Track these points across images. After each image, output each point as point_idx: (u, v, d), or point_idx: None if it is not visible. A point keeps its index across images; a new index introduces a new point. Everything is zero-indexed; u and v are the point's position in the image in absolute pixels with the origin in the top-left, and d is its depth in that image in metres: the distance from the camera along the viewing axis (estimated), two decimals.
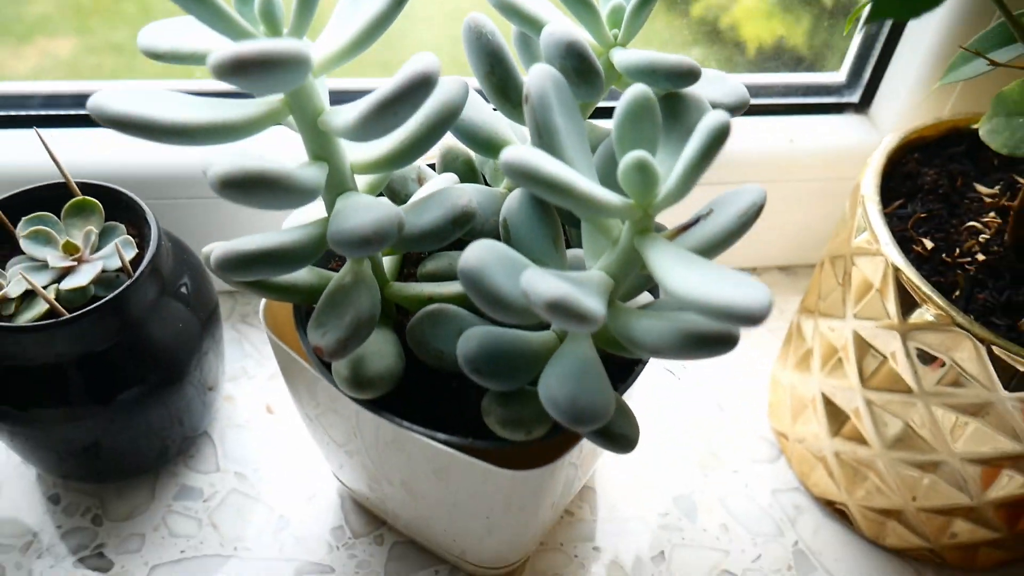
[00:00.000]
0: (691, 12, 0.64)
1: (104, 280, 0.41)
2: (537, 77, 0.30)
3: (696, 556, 0.48)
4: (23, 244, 0.41)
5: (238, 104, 0.31)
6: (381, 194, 0.38)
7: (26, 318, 0.39)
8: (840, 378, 0.45)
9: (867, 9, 0.34)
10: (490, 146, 0.38)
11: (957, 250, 0.42)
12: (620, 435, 0.33)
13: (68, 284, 0.40)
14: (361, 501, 0.48)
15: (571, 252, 0.37)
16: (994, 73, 0.48)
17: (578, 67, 0.32)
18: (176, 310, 0.43)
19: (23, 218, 0.42)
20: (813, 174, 0.57)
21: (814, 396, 0.48)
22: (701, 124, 0.27)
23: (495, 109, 0.37)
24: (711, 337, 0.29)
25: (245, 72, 0.25)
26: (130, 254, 0.41)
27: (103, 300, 0.39)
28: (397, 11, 0.31)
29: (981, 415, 0.39)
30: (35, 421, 0.41)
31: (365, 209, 0.31)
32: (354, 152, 0.33)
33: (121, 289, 0.40)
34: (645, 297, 0.39)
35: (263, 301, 0.39)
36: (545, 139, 0.30)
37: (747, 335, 0.59)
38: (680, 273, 0.28)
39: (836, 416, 0.47)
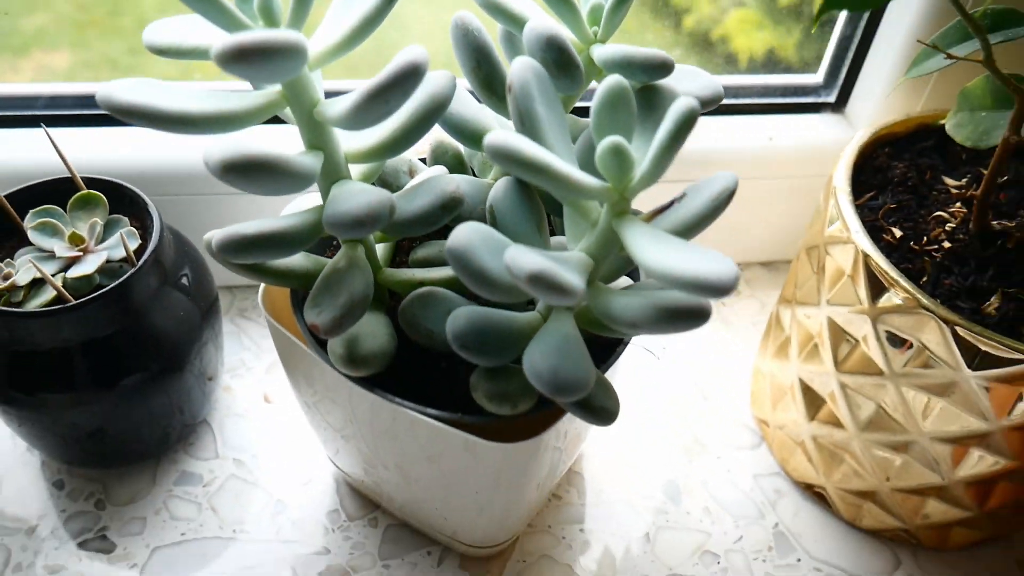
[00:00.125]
0: (683, 24, 0.66)
1: (108, 270, 0.43)
2: (519, 69, 0.32)
3: (680, 538, 0.49)
4: (31, 235, 0.42)
5: (238, 95, 0.33)
6: (374, 184, 0.40)
7: (34, 305, 0.40)
8: (816, 364, 0.47)
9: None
10: (477, 139, 0.39)
11: (925, 238, 0.44)
12: (601, 408, 0.34)
13: (74, 273, 0.41)
14: (356, 485, 0.49)
15: (555, 239, 0.39)
16: (961, 71, 0.50)
17: (558, 60, 0.34)
18: (177, 300, 0.45)
19: (31, 211, 0.43)
20: (792, 171, 0.59)
21: (792, 382, 0.50)
22: (671, 109, 0.29)
23: (482, 104, 0.39)
24: (684, 311, 0.31)
25: (247, 60, 0.26)
26: (133, 245, 0.43)
27: (108, 288, 0.41)
28: (388, 9, 0.33)
29: (948, 395, 0.41)
30: (42, 406, 0.43)
31: (359, 193, 0.33)
32: (348, 142, 0.35)
33: (125, 277, 0.41)
34: (625, 282, 0.40)
35: (261, 287, 0.41)
36: (527, 126, 0.32)
37: (730, 329, 0.61)
38: (654, 250, 0.30)
39: (813, 401, 0.48)
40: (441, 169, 0.41)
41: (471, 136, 0.39)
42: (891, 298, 0.41)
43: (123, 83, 0.31)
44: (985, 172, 0.47)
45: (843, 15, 0.57)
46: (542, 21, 0.34)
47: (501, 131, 0.29)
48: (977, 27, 0.36)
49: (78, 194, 0.44)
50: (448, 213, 0.35)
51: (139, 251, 0.43)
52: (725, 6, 0.68)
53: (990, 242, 0.44)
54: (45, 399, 0.42)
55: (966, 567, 0.49)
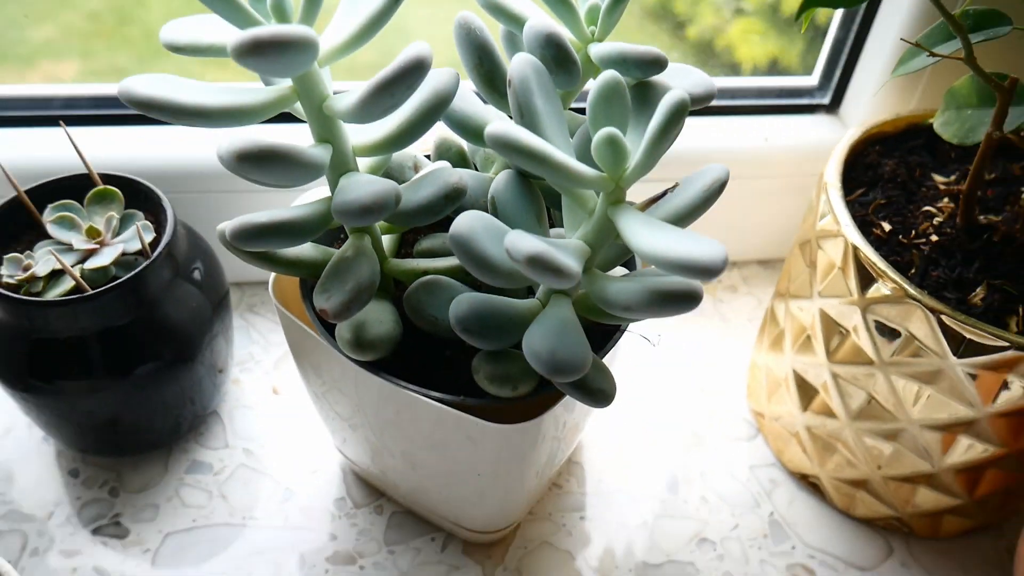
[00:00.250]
0: (687, 34, 0.68)
1: (124, 262, 0.44)
2: (519, 64, 0.34)
3: (677, 525, 0.51)
4: (50, 228, 0.44)
5: (252, 91, 0.34)
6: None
7: (53, 295, 0.42)
8: (809, 355, 0.48)
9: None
10: (480, 134, 0.41)
11: (913, 232, 0.46)
12: (598, 389, 0.36)
13: (91, 264, 0.43)
14: (362, 474, 0.51)
15: (554, 231, 0.40)
16: (951, 72, 0.52)
17: (556, 56, 0.35)
18: (189, 292, 0.47)
19: (49, 205, 0.45)
20: (787, 171, 0.60)
21: (786, 374, 0.51)
22: (662, 101, 0.31)
23: (484, 100, 0.40)
24: (676, 294, 0.33)
25: (261, 53, 0.28)
26: (148, 238, 0.45)
27: (123, 279, 0.42)
28: (394, 8, 0.34)
29: (935, 383, 0.43)
30: (60, 393, 0.44)
31: (366, 183, 0.34)
32: (356, 136, 0.37)
33: (140, 269, 0.43)
34: (622, 272, 0.42)
35: (271, 277, 0.42)
36: (527, 119, 0.34)
37: (728, 325, 0.62)
38: (647, 235, 0.31)
39: (806, 392, 0.50)
40: (445, 164, 0.43)
41: (474, 132, 0.41)
42: (879, 289, 0.42)
43: (142, 78, 0.33)
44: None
45: (836, 20, 0.59)
46: (541, 20, 0.36)
47: (501, 122, 0.31)
48: (958, 26, 0.37)
49: (95, 189, 0.46)
50: (451, 203, 0.37)
51: (153, 244, 0.45)
52: (728, 16, 0.70)
53: (976, 235, 0.45)
54: (63, 386, 0.44)
55: (957, 555, 0.51)
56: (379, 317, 0.38)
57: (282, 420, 0.54)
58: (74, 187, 0.47)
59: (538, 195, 0.38)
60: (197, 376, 0.49)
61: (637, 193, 0.34)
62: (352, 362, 0.38)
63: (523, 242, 0.30)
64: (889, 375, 0.44)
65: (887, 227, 0.46)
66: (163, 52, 0.35)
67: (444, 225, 0.45)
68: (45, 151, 0.52)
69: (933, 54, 0.39)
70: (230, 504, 0.49)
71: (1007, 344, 0.39)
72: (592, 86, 0.34)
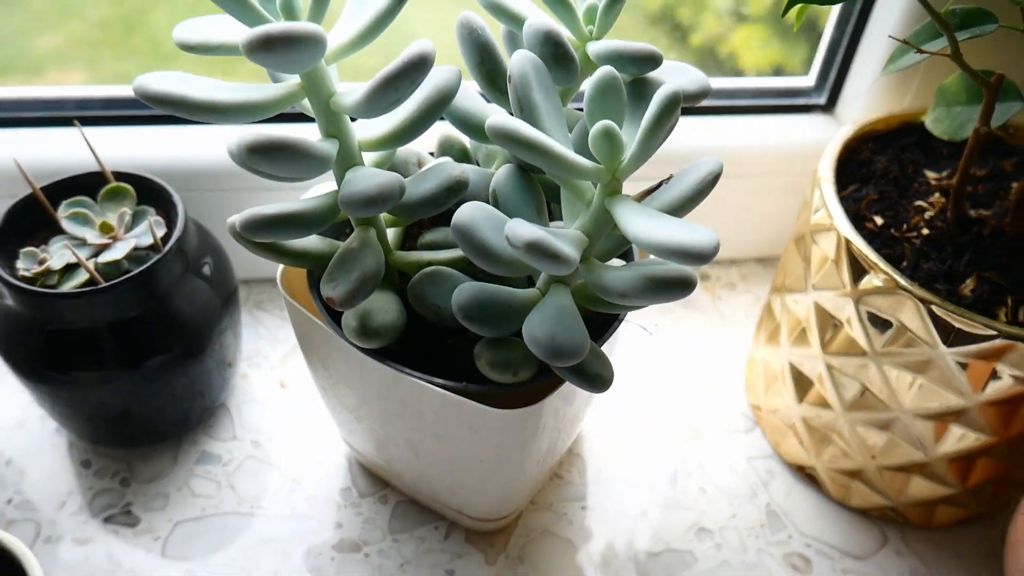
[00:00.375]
0: (690, 42, 0.69)
1: (136, 257, 0.46)
2: (519, 61, 0.35)
3: (676, 515, 0.52)
4: (64, 224, 0.45)
5: (262, 87, 0.36)
6: None
7: (67, 288, 0.43)
8: (804, 347, 0.50)
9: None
10: (482, 131, 0.42)
11: (905, 226, 0.47)
12: (595, 374, 0.37)
13: (104, 258, 0.44)
14: (367, 464, 0.52)
15: (553, 224, 0.42)
16: (943, 71, 0.53)
17: (555, 53, 0.36)
18: (199, 286, 0.48)
19: (64, 202, 0.46)
20: (783, 169, 0.61)
21: (783, 367, 0.52)
22: (656, 94, 0.32)
23: (487, 99, 0.42)
24: (671, 280, 0.34)
25: (272, 48, 0.29)
26: (159, 233, 0.46)
27: (135, 272, 0.44)
28: (398, 8, 0.36)
29: (926, 372, 0.44)
30: (74, 384, 0.45)
31: (372, 175, 0.35)
32: (362, 131, 0.38)
33: (151, 263, 0.44)
34: (619, 264, 0.43)
35: (279, 269, 0.43)
36: (526, 113, 0.35)
37: (726, 322, 0.63)
38: (642, 223, 0.33)
39: (802, 384, 0.51)
40: (448, 159, 0.44)
41: (476, 128, 0.42)
42: (871, 280, 0.44)
43: (156, 75, 0.34)
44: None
45: (832, 21, 0.60)
46: (541, 18, 0.37)
47: (502, 114, 0.32)
48: (944, 24, 0.39)
49: (108, 186, 0.47)
50: (454, 196, 0.38)
51: (164, 239, 0.46)
52: (731, 24, 0.71)
53: (967, 229, 0.46)
54: (76, 377, 0.45)
55: (951, 544, 0.52)
56: (384, 306, 0.39)
57: (289, 413, 0.55)
58: (88, 185, 0.48)
59: (538, 188, 0.40)
60: (206, 369, 0.50)
61: (634, 190, 0.35)
62: (358, 350, 0.39)
63: (522, 229, 0.31)
64: (882, 365, 0.45)
65: (879, 221, 0.47)
66: (169, 60, 0.36)
67: (447, 219, 0.46)
68: (59, 150, 0.53)
69: (921, 51, 0.41)
70: (238, 494, 0.51)
71: (995, 333, 0.40)
72: (589, 82, 0.35)
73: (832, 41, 0.61)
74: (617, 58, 0.37)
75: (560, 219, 0.44)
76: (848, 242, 0.44)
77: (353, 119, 0.38)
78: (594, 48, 0.38)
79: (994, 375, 0.42)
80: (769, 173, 0.62)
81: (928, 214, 0.47)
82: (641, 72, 0.38)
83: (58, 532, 0.48)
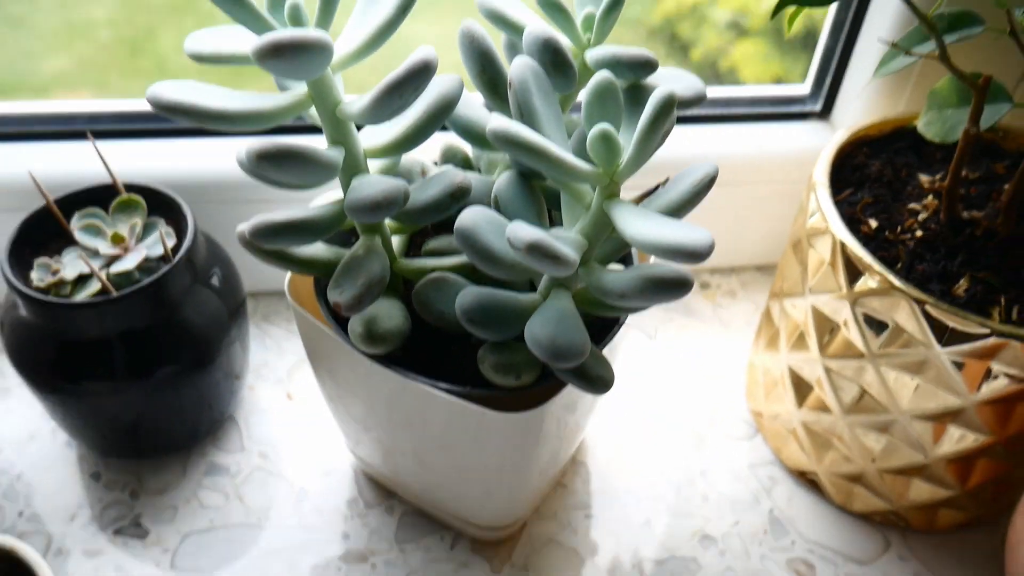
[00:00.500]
0: (691, 56, 0.70)
1: (146, 268, 0.47)
2: (519, 67, 0.36)
3: (680, 522, 0.52)
4: (77, 235, 0.46)
5: (270, 96, 0.37)
6: None
7: (80, 298, 0.44)
8: (803, 351, 0.50)
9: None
10: (483, 139, 0.43)
11: (899, 228, 0.48)
12: (597, 376, 0.38)
13: (116, 268, 0.45)
14: (374, 475, 0.52)
15: (554, 230, 0.42)
16: (934, 76, 0.54)
17: (553, 60, 0.37)
18: (208, 297, 0.49)
19: (76, 213, 0.47)
20: (781, 176, 0.62)
21: (782, 372, 0.53)
22: (651, 97, 0.33)
23: (489, 108, 0.43)
24: (668, 280, 0.35)
25: (280, 54, 0.30)
26: (169, 243, 0.47)
27: (146, 281, 0.45)
28: (402, 18, 0.37)
29: (923, 372, 0.44)
30: (85, 395, 0.46)
31: (377, 182, 0.36)
32: (367, 139, 0.39)
33: (161, 273, 0.45)
34: (619, 268, 0.44)
35: (287, 278, 0.44)
36: (526, 118, 0.36)
37: (727, 329, 0.64)
38: (639, 224, 0.34)
39: (801, 388, 0.51)
40: (451, 167, 0.45)
41: (477, 137, 0.43)
42: (867, 282, 0.44)
43: (169, 84, 0.35)
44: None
45: (826, 28, 0.61)
46: (540, 26, 0.38)
47: (503, 119, 0.33)
48: (931, 26, 0.40)
49: (119, 198, 0.48)
50: (456, 202, 0.39)
51: (174, 250, 0.47)
52: (731, 38, 0.72)
53: (960, 230, 0.47)
54: (88, 388, 0.46)
55: (954, 549, 0.52)
56: (389, 312, 0.40)
57: (296, 425, 0.56)
58: (100, 197, 0.49)
59: (539, 194, 0.41)
60: (215, 380, 0.51)
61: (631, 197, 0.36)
62: (364, 356, 0.40)
63: (523, 231, 0.32)
64: (879, 367, 0.46)
65: (874, 224, 0.48)
66: None
67: (450, 228, 0.47)
68: (72, 164, 0.54)
69: (909, 53, 0.42)
70: (246, 505, 0.51)
71: (989, 331, 0.41)
72: (586, 87, 0.36)
73: (826, 49, 0.62)
74: (614, 63, 0.38)
75: (561, 225, 0.45)
76: (843, 245, 0.45)
77: (359, 128, 0.39)
78: (591, 54, 0.39)
79: (989, 374, 0.43)
80: (766, 180, 0.63)
81: (922, 216, 0.48)
82: (637, 77, 0.39)
83: (68, 545, 0.49)
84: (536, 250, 0.32)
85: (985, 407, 0.44)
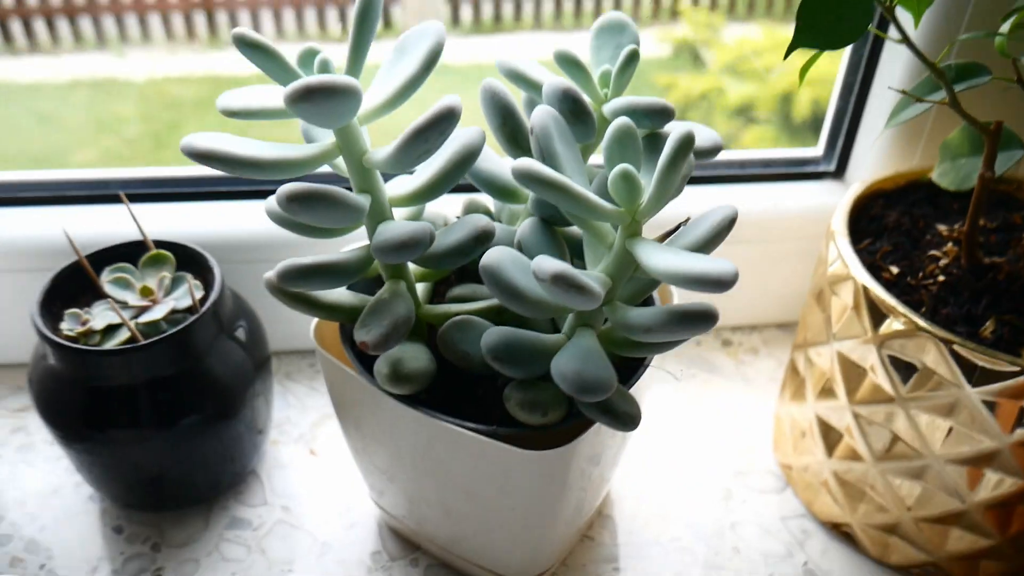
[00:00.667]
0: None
1: (174, 320, 0.47)
2: (540, 115, 0.38)
3: (712, 575, 0.51)
4: (107, 288, 0.47)
5: (300, 146, 0.38)
6: None
7: (108, 347, 0.45)
8: (831, 399, 0.50)
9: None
10: (505, 191, 0.44)
11: (920, 274, 0.48)
12: (624, 412, 0.37)
13: (144, 319, 0.46)
14: (398, 528, 0.52)
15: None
16: (944, 131, 0.55)
17: (573, 109, 0.39)
18: (232, 349, 0.49)
19: (106, 267, 0.49)
20: (797, 234, 0.63)
21: (810, 422, 0.52)
22: (670, 136, 0.34)
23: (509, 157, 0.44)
24: (694, 313, 0.35)
25: (312, 98, 0.32)
26: (197, 295, 0.48)
27: (172, 330, 0.45)
28: (426, 74, 0.38)
29: (955, 415, 0.44)
30: (110, 443, 0.47)
31: (403, 225, 0.37)
32: (392, 189, 0.40)
33: (188, 322, 0.46)
34: None
35: (313, 324, 0.45)
36: (548, 161, 0.37)
37: (750, 386, 0.63)
38: (662, 257, 0.34)
39: (831, 437, 0.51)
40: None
41: (500, 189, 0.44)
42: (892, 324, 0.44)
43: (203, 134, 0.37)
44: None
45: (836, 92, 0.63)
46: (558, 79, 0.40)
47: (527, 158, 0.34)
48: (940, 74, 0.41)
49: (149, 253, 0.49)
50: (480, 245, 0.40)
51: (201, 302, 0.48)
52: (741, 124, 0.74)
53: (982, 275, 0.47)
54: (113, 436, 0.46)
55: None
56: (415, 355, 0.41)
57: (319, 479, 0.55)
58: (129, 253, 0.50)
59: (561, 240, 0.41)
60: (237, 433, 0.51)
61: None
62: (390, 397, 0.40)
63: (548, 263, 0.33)
64: (909, 411, 0.45)
65: (895, 270, 0.48)
66: None
67: (473, 276, 0.48)
68: (103, 226, 0.56)
69: (920, 100, 0.43)
70: (268, 558, 0.50)
71: (1019, 369, 0.41)
72: (606, 133, 0.37)
73: (838, 110, 0.63)
74: (632, 112, 0.39)
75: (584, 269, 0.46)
76: (866, 289, 0.45)
77: (385, 180, 0.40)
78: (610, 105, 0.41)
79: (1023, 416, 0.42)
80: (782, 238, 0.64)
81: (943, 262, 0.48)
82: (655, 125, 0.40)
83: None
84: (561, 280, 0.33)
85: (1021, 448, 0.43)
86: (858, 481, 0.50)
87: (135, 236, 0.52)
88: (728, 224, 0.38)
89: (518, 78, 0.43)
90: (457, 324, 0.40)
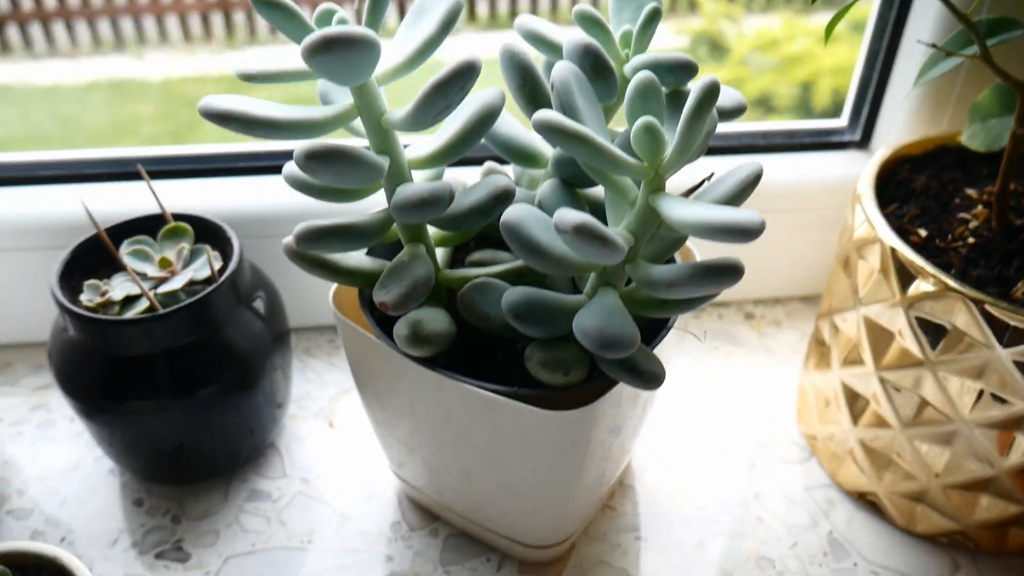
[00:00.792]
0: None
1: (192, 291, 0.47)
2: (561, 70, 0.37)
3: (734, 544, 0.50)
4: (126, 260, 0.47)
5: (318, 108, 0.38)
6: None
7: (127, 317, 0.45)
8: (857, 366, 0.49)
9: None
10: (524, 155, 0.44)
11: (949, 236, 0.47)
12: (647, 371, 0.37)
13: (163, 289, 0.46)
14: (417, 498, 0.51)
15: None
16: (970, 96, 0.54)
17: (594, 64, 0.38)
18: (250, 320, 0.49)
19: (126, 240, 0.48)
20: (822, 204, 0.62)
21: (835, 390, 0.51)
22: (694, 86, 0.33)
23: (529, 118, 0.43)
24: (719, 267, 0.34)
25: (331, 49, 0.31)
26: (216, 266, 0.47)
27: (191, 300, 0.45)
28: (444, 34, 0.37)
29: (985, 377, 0.43)
30: (129, 413, 0.46)
31: (423, 183, 0.37)
32: (410, 151, 0.40)
33: (206, 292, 0.46)
34: None
35: (331, 289, 0.44)
36: (569, 115, 0.36)
37: (773, 358, 0.62)
38: (687, 209, 0.33)
39: (856, 404, 0.50)
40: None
41: (519, 153, 0.44)
42: (920, 286, 0.43)
43: (220, 96, 0.36)
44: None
45: (861, 57, 0.62)
46: (580, 34, 0.39)
47: (548, 110, 0.34)
48: (972, 26, 0.40)
49: (167, 226, 0.49)
50: (501, 205, 0.39)
51: (220, 272, 0.48)
52: (761, 114, 0.72)
53: (1013, 237, 0.46)
54: (133, 407, 0.46)
55: None
56: (434, 316, 0.40)
57: (338, 452, 0.55)
58: (148, 227, 0.50)
59: (582, 201, 0.41)
60: (256, 405, 0.51)
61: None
62: (410, 360, 0.40)
63: (570, 215, 0.32)
64: (938, 374, 0.44)
65: (923, 233, 0.47)
66: None
67: (492, 242, 0.47)
68: (122, 202, 0.56)
69: (951, 53, 0.42)
70: (288, 529, 0.50)
71: None
72: (628, 88, 0.36)
73: (862, 79, 0.62)
74: (655, 67, 0.38)
75: None
76: (894, 251, 0.44)
77: (405, 145, 0.40)
78: (632, 63, 0.40)
79: None
80: (806, 208, 0.63)
81: (972, 224, 0.47)
82: (678, 82, 0.39)
83: (110, 569, 0.48)
84: (584, 232, 0.32)
85: None
86: (884, 449, 0.49)
87: (154, 210, 0.51)
88: (754, 180, 0.37)
89: (537, 39, 0.42)
90: (477, 286, 0.40)
